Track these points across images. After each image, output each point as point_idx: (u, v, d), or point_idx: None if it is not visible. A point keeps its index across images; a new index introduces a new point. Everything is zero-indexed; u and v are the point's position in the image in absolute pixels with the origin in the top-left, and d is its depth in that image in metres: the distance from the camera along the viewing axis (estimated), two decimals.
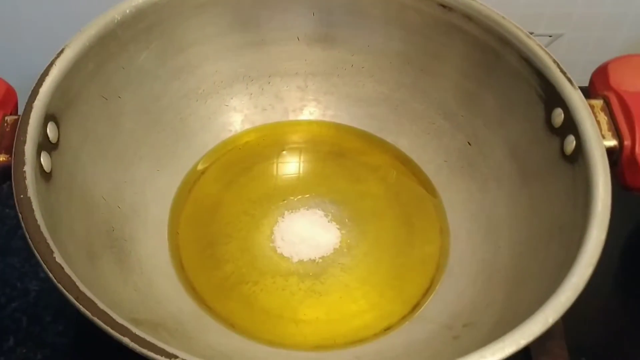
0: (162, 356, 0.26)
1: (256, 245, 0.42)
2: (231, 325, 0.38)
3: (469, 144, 0.45)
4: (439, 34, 0.44)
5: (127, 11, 0.39)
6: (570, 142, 0.37)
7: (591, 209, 0.33)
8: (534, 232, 0.38)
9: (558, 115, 0.38)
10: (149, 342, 0.26)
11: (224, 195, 0.44)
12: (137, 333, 0.27)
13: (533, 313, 0.30)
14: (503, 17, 0.41)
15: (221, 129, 0.47)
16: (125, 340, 0.27)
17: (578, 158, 0.36)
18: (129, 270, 0.37)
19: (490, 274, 0.39)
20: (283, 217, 0.43)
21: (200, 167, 0.45)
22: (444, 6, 0.43)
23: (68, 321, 0.45)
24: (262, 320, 0.38)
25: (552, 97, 0.38)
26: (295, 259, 0.41)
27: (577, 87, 0.37)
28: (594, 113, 0.37)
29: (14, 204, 0.51)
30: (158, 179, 0.43)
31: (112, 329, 0.27)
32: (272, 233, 0.42)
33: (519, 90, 0.41)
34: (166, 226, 0.42)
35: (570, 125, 0.37)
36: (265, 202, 0.44)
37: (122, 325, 0.27)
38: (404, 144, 0.47)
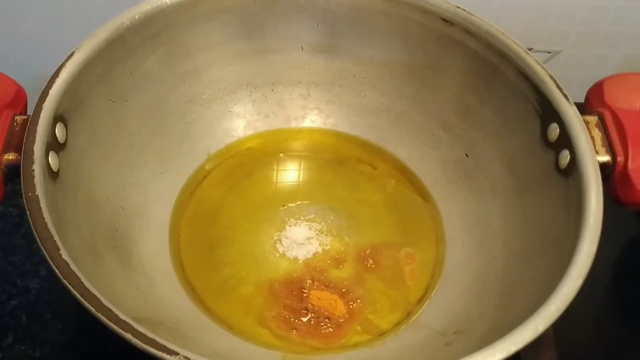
0: (163, 352, 0.27)
1: (255, 249, 0.42)
2: (229, 326, 0.39)
3: (467, 155, 0.45)
4: (440, 47, 0.45)
5: (136, 17, 0.40)
6: (565, 157, 0.38)
7: (583, 222, 0.33)
8: (528, 243, 0.39)
9: (554, 130, 0.39)
10: (150, 338, 0.27)
11: (225, 200, 0.45)
12: (139, 330, 0.27)
13: (524, 321, 0.30)
14: (502, 33, 0.42)
15: (224, 134, 0.47)
16: (128, 336, 0.27)
17: (572, 172, 0.37)
18: (131, 270, 0.38)
19: (484, 283, 0.40)
20: (282, 223, 0.44)
21: (202, 171, 0.46)
22: (445, 20, 0.44)
23: (67, 319, 0.45)
24: (259, 322, 0.39)
25: (548, 112, 0.39)
26: (293, 264, 0.42)
27: (573, 103, 0.38)
28: (588, 129, 0.38)
29: (16, 203, 0.52)
30: (161, 181, 0.44)
31: (115, 325, 0.27)
32: (271, 238, 0.43)
33: (516, 104, 0.42)
34: (168, 228, 0.43)
35: (565, 140, 0.38)
36: (266, 208, 0.44)
37: (125, 322, 0.28)
38: (402, 154, 0.48)
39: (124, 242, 0.39)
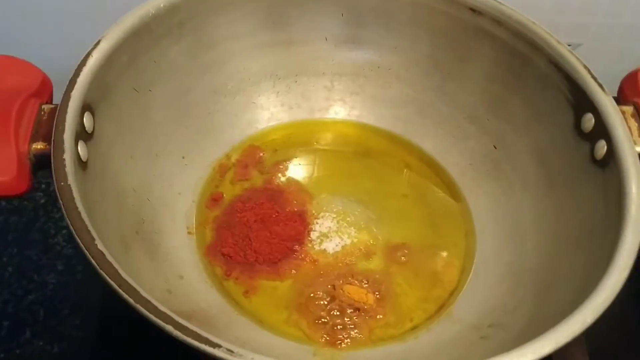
0: (206, 345, 0.26)
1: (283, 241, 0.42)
2: (259, 320, 0.38)
3: (495, 147, 0.45)
4: (467, 37, 0.44)
5: (162, 5, 0.40)
6: (601, 147, 0.37)
7: (625, 213, 0.33)
8: (562, 235, 0.38)
9: (588, 120, 0.38)
10: (192, 330, 0.26)
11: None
12: (180, 322, 0.27)
13: (568, 314, 0.30)
14: (533, 22, 0.41)
15: (248, 125, 0.47)
16: (169, 328, 0.27)
17: (609, 163, 0.36)
18: (159, 262, 0.37)
19: (517, 276, 0.39)
20: (310, 215, 0.43)
21: (227, 162, 0.45)
22: (473, 10, 0.43)
23: (85, 315, 0.45)
24: (288, 316, 0.38)
25: (582, 102, 0.39)
26: (322, 257, 0.41)
27: (609, 93, 0.38)
28: (625, 119, 0.37)
29: (32, 196, 0.52)
30: (185, 172, 0.43)
31: (155, 316, 0.27)
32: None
33: (547, 95, 0.41)
34: (194, 220, 0.42)
35: (601, 130, 0.37)
36: (295, 198, 0.44)
37: (165, 314, 0.27)
38: (429, 146, 0.47)
39: (150, 234, 0.38)
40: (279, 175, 0.45)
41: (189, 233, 0.41)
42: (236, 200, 0.44)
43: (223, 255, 0.41)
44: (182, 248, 0.40)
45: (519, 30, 0.41)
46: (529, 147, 0.43)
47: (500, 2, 0.42)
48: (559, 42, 0.40)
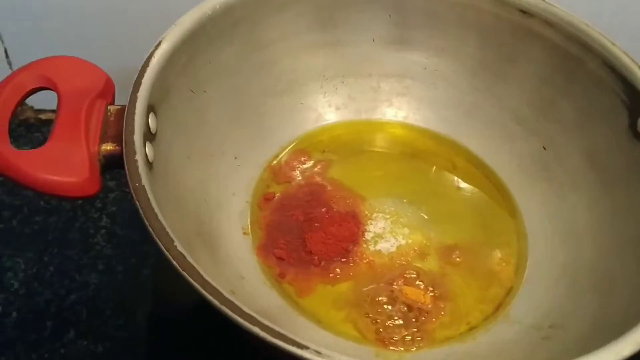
0: (294, 347, 0.26)
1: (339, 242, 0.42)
2: (318, 321, 0.38)
3: (544, 148, 0.45)
4: (516, 39, 0.44)
5: (217, 6, 0.40)
6: None
7: None
8: (620, 238, 0.39)
9: None
10: (279, 332, 0.26)
11: None
12: (266, 323, 0.27)
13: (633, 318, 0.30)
14: (587, 24, 0.41)
15: (296, 126, 0.47)
16: (255, 330, 0.27)
17: None
18: (220, 264, 0.37)
19: (573, 278, 0.40)
20: (363, 216, 0.43)
21: (278, 163, 0.45)
22: (523, 12, 0.43)
23: (128, 315, 0.45)
24: (347, 317, 0.38)
25: (637, 103, 0.39)
26: (377, 257, 0.41)
27: None
28: None
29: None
30: (238, 173, 0.43)
31: (241, 318, 0.27)
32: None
33: (600, 96, 0.41)
34: (248, 220, 0.42)
35: None
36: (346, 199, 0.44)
37: (250, 315, 0.27)
38: (476, 147, 0.47)
39: (209, 236, 0.38)
40: (328, 175, 0.45)
41: (244, 233, 0.41)
42: (286, 201, 0.44)
43: (276, 257, 0.41)
44: (239, 249, 0.40)
45: (571, 32, 0.42)
46: (580, 148, 0.43)
47: (551, 4, 0.42)
48: (613, 44, 0.40)
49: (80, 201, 0.51)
